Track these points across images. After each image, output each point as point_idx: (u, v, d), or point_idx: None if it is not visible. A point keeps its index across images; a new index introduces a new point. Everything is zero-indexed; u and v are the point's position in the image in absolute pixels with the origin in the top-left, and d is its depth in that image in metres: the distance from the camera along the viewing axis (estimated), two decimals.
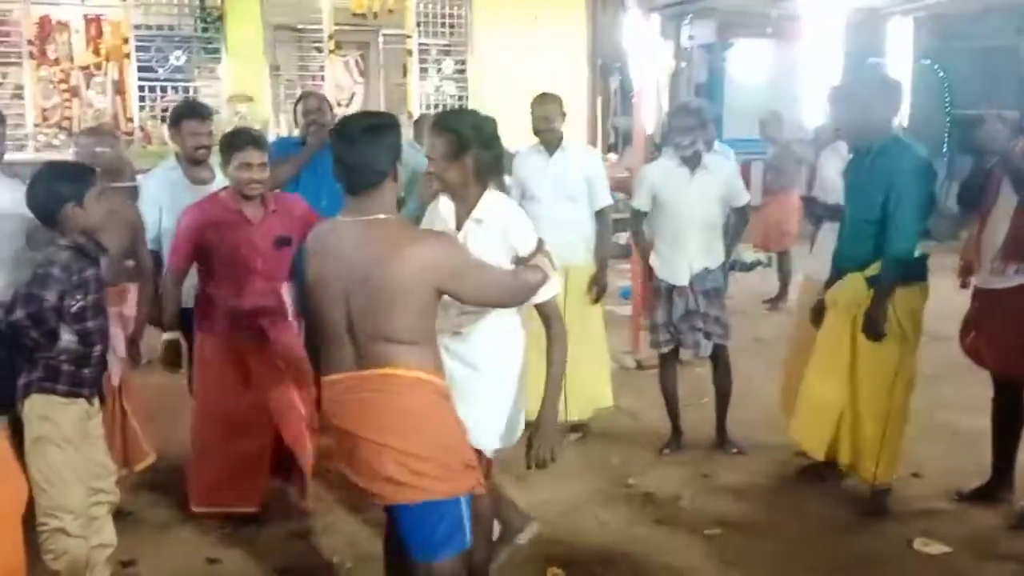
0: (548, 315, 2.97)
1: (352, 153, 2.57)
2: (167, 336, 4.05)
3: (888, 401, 4.06)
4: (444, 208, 3.07)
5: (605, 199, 5.06)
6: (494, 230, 2.96)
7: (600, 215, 5.07)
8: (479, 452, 2.92)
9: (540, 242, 2.97)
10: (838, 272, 4.17)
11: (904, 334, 4.03)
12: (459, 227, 3.00)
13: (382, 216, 2.59)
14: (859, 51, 9.71)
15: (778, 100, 11.91)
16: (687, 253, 4.81)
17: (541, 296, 2.90)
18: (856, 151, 4.21)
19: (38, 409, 3.13)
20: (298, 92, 10.77)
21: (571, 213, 4.97)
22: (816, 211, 4.94)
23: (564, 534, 3.98)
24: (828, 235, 4.60)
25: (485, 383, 3.00)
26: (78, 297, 3.11)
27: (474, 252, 2.81)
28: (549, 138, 4.99)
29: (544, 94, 5.03)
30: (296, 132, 5.59)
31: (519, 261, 2.93)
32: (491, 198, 3.00)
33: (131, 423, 4.06)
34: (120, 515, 3.91)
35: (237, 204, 3.92)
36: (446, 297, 2.67)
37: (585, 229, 5.03)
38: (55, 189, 3.14)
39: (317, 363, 3.00)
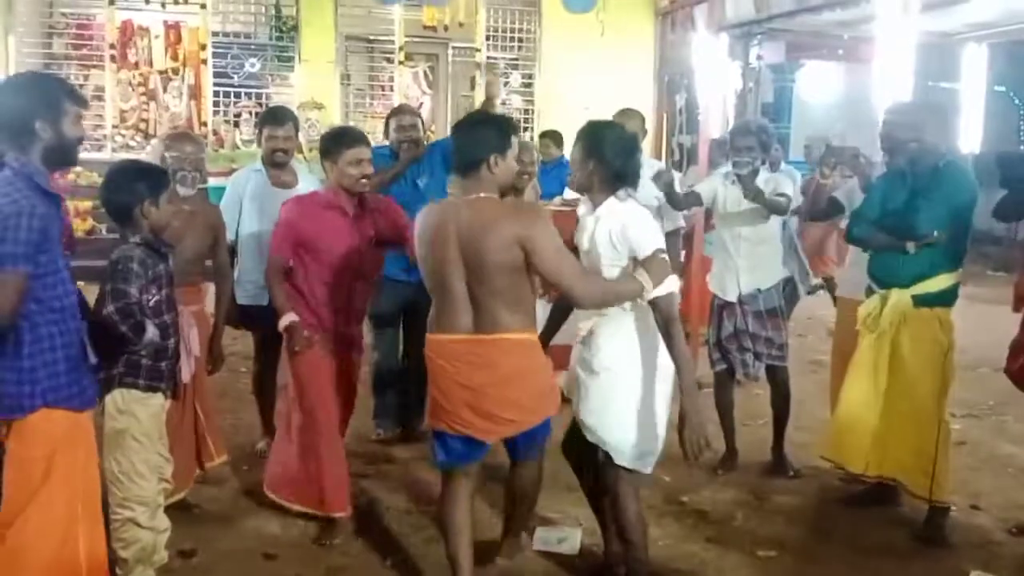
0: (661, 313, 3.19)
1: (459, 140, 3.15)
2: (286, 321, 3.87)
3: (936, 415, 4.07)
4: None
5: (677, 221, 5.08)
6: (612, 227, 3.25)
7: (670, 236, 5.04)
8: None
9: (659, 249, 3.20)
10: (881, 287, 4.16)
11: (949, 354, 4.08)
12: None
13: (483, 195, 3.07)
14: (931, 76, 9.60)
15: (847, 122, 11.80)
16: (735, 269, 4.83)
17: (653, 293, 3.15)
18: (902, 173, 4.17)
19: (120, 403, 3.24)
20: (367, 101, 11.02)
21: None
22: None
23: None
24: (860, 252, 4.57)
25: (599, 385, 3.29)
26: (153, 291, 3.22)
27: (589, 244, 3.30)
28: None
29: (626, 109, 5.06)
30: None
31: (636, 263, 3.19)
32: (614, 201, 3.31)
33: (202, 423, 4.16)
34: (182, 507, 4.04)
35: (339, 200, 3.93)
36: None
37: None
38: (134, 187, 3.22)
39: None
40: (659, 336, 3.23)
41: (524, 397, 3.15)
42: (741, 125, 5.07)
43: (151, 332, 3.16)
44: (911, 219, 4.04)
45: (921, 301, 4.05)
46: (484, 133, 3.10)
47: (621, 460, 3.30)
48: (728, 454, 5.01)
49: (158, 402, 3.35)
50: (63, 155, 2.92)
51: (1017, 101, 13.43)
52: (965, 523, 4.30)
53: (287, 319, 3.87)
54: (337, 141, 3.93)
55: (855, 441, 4.23)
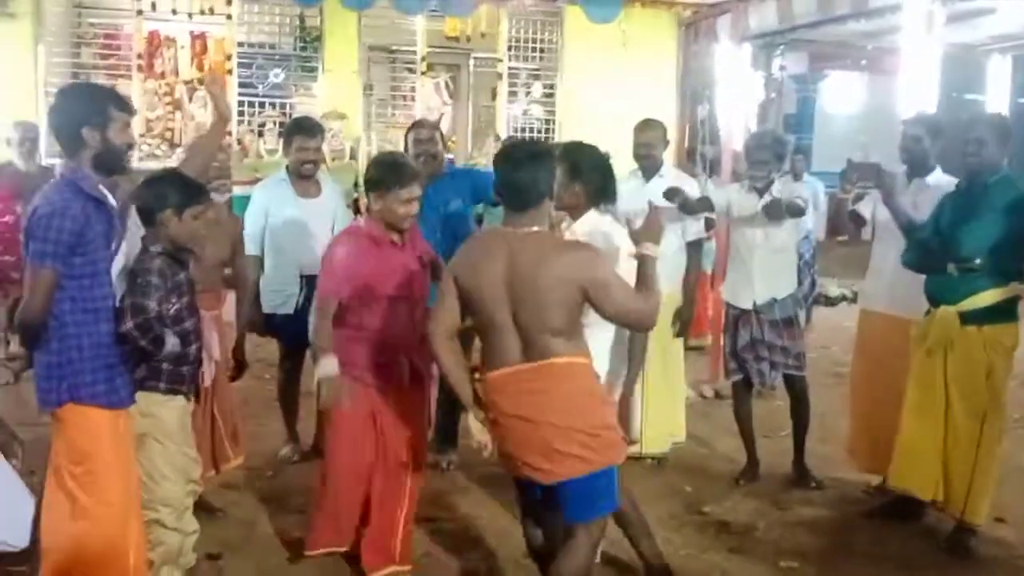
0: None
1: (518, 176, 2.99)
2: (327, 368, 3.63)
3: (971, 436, 4.01)
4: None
5: (697, 231, 5.07)
6: (596, 237, 3.40)
7: (691, 246, 5.08)
8: None
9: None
10: (933, 304, 4.10)
11: (995, 373, 3.98)
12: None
13: (536, 228, 3.00)
14: (956, 87, 9.54)
15: (870, 134, 11.75)
16: (750, 277, 4.82)
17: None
18: (959, 191, 4.14)
19: (141, 406, 3.27)
20: (389, 112, 11.07)
21: (662, 241, 4.98)
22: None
23: (636, 558, 3.99)
24: (881, 264, 4.57)
25: None
26: (174, 300, 3.26)
27: None
28: (648, 164, 5.03)
29: (648, 120, 5.06)
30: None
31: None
32: (595, 214, 3.54)
33: (219, 426, 4.20)
34: (209, 510, 4.08)
35: (385, 233, 3.67)
36: None
37: (673, 258, 5.00)
38: (163, 193, 3.27)
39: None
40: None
41: (585, 428, 2.96)
42: (755, 137, 5.07)
43: (171, 344, 3.21)
44: (956, 239, 3.98)
45: (968, 319, 3.96)
46: (543, 170, 3.02)
47: None
48: (749, 465, 5.00)
49: (179, 404, 3.39)
50: (112, 161, 3.05)
51: None
52: (989, 536, 4.26)
53: (328, 367, 3.62)
54: (391, 176, 3.64)
55: (924, 468, 4.14)
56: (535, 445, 2.96)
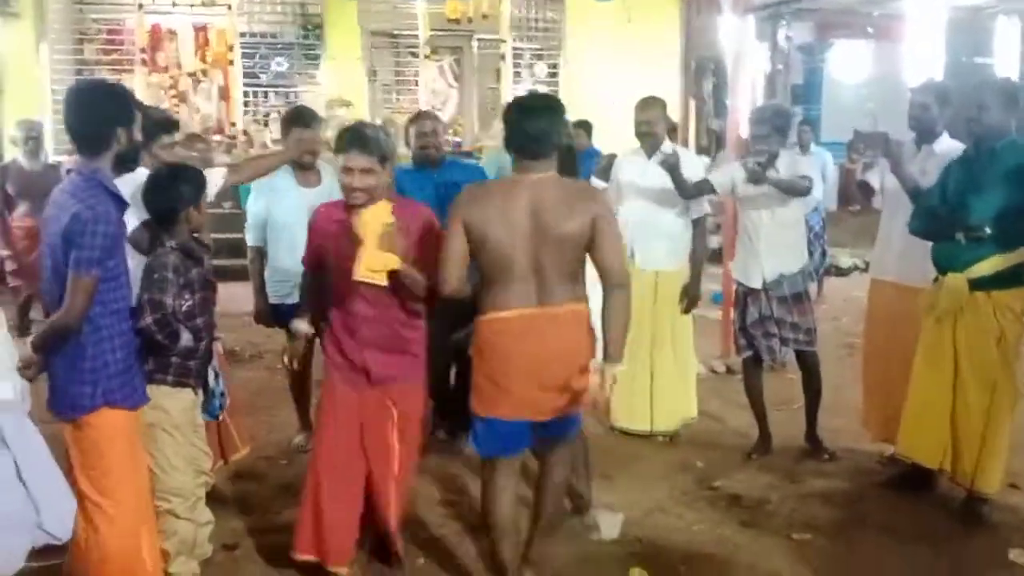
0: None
1: (535, 124, 3.13)
2: (294, 324, 3.67)
3: (988, 406, 3.99)
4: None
5: (703, 208, 5.05)
6: None
7: (697, 224, 5.06)
8: None
9: None
10: (941, 272, 4.07)
11: (1006, 339, 3.96)
12: None
13: (552, 174, 3.17)
14: (963, 51, 9.46)
15: (878, 102, 11.65)
16: (758, 254, 4.79)
17: None
18: (967, 157, 4.10)
19: (150, 398, 3.28)
20: (394, 97, 11.07)
21: (666, 218, 4.99)
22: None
23: (648, 533, 4.01)
24: (889, 233, 4.54)
25: None
26: (187, 296, 3.28)
27: None
28: (650, 142, 5.01)
29: (648, 98, 5.04)
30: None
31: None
32: None
33: (226, 417, 4.22)
34: (222, 500, 4.11)
35: (343, 213, 3.39)
36: None
37: (680, 236, 5.03)
38: (178, 191, 3.30)
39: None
40: None
41: (583, 368, 3.16)
42: (755, 112, 5.05)
43: (185, 339, 3.25)
44: (965, 206, 3.94)
45: (977, 285, 3.93)
46: (558, 120, 3.20)
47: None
48: (761, 439, 4.99)
49: (187, 396, 3.41)
50: (132, 159, 3.09)
51: None
52: (1002, 503, 4.24)
53: (297, 324, 3.64)
54: (337, 143, 3.39)
55: (931, 436, 4.14)
56: (544, 383, 3.13)
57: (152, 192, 3.32)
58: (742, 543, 3.96)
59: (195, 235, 3.39)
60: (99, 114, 2.96)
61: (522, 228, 3.08)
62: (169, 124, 4.11)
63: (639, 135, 5.03)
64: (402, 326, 3.47)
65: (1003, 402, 4.02)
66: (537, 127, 3.12)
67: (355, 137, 3.31)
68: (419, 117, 5.14)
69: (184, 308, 3.27)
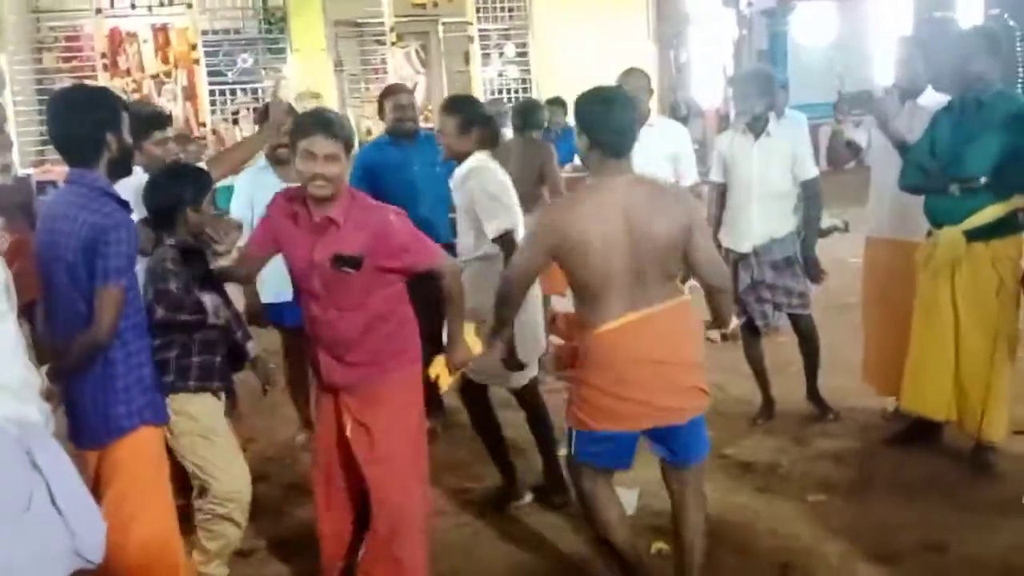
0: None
1: (623, 117, 2.97)
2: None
3: (991, 355, 4.02)
4: None
5: (691, 176, 5.00)
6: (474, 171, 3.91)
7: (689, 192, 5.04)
8: None
9: None
10: (936, 226, 4.09)
11: (1005, 287, 3.99)
12: None
13: (636, 173, 3.05)
14: (927, 7, 9.50)
15: (844, 63, 11.69)
16: (749, 220, 4.78)
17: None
18: (952, 109, 4.12)
19: (173, 406, 3.18)
20: (363, 86, 10.96)
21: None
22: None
23: (666, 507, 3.96)
24: (880, 190, 4.56)
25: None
26: (192, 290, 3.21)
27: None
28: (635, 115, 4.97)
29: (631, 69, 4.99)
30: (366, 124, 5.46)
31: None
32: (477, 155, 3.96)
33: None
34: None
35: (298, 204, 3.14)
36: None
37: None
38: (179, 191, 3.22)
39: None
40: None
41: (700, 360, 3.10)
42: (737, 76, 5.09)
43: (210, 301, 3.16)
44: (960, 158, 3.95)
45: (973, 235, 3.95)
46: (632, 112, 3.05)
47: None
48: (765, 404, 5.01)
49: (208, 399, 3.29)
50: (125, 164, 2.94)
51: (1012, 23, 13.28)
52: (1009, 451, 4.28)
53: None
54: (295, 128, 3.16)
55: (934, 389, 4.15)
56: (668, 385, 3.01)
57: (152, 191, 3.25)
58: (759, 509, 3.98)
59: (195, 236, 3.30)
60: (85, 121, 2.81)
61: (622, 240, 2.90)
62: (160, 119, 3.99)
63: None
64: (363, 331, 3.13)
65: (1004, 350, 4.06)
66: (622, 120, 2.97)
67: (319, 120, 3.06)
68: (394, 90, 5.13)
69: (191, 301, 3.19)
